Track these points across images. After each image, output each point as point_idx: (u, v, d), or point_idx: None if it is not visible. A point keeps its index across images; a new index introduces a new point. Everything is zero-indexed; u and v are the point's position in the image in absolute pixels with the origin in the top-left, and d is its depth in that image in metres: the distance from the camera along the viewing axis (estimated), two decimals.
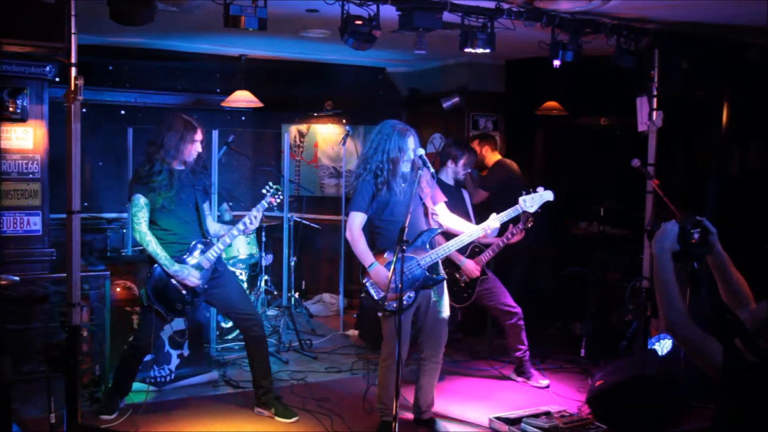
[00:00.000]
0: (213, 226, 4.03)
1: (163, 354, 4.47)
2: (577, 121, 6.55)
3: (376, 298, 3.59)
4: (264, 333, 4.06)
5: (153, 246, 3.71)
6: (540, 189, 3.84)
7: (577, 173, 6.47)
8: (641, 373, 3.89)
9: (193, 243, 3.83)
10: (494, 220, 3.75)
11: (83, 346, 4.12)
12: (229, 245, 3.99)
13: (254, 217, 3.80)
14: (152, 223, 3.79)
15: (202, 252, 3.82)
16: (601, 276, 5.51)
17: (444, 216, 3.84)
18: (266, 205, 3.87)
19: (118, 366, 4.00)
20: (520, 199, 3.82)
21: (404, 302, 3.51)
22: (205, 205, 3.97)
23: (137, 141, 5.43)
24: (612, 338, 5.05)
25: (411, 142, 3.66)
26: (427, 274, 3.66)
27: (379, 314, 3.63)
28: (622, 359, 4.47)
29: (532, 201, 3.81)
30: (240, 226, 3.82)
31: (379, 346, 3.80)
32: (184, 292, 3.78)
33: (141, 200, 3.73)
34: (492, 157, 5.69)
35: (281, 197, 3.90)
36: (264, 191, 3.91)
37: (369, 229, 3.73)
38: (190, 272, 3.74)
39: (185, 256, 3.81)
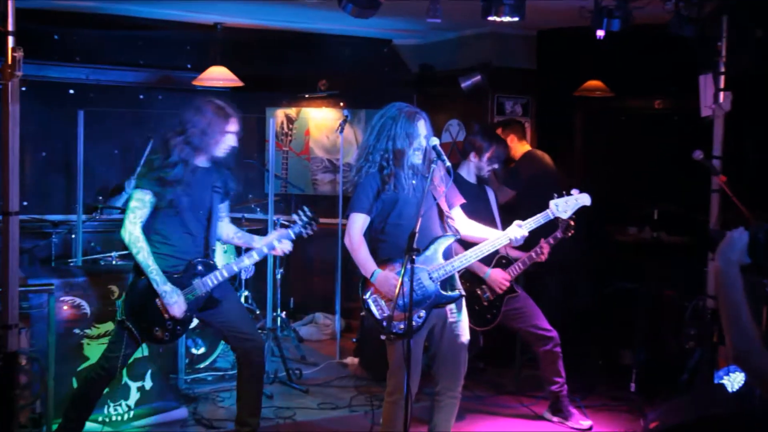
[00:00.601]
0: (227, 229, 4.02)
1: (119, 387, 4.42)
2: (625, 103, 6.57)
3: (378, 317, 3.55)
4: (264, 361, 4.06)
5: (144, 254, 3.66)
6: (575, 192, 3.79)
7: (624, 168, 6.46)
8: (707, 414, 3.83)
9: (193, 261, 3.79)
10: (518, 229, 3.70)
11: (21, 377, 4.00)
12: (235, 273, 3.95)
13: (278, 245, 3.85)
14: (147, 228, 3.73)
15: (201, 275, 3.76)
16: (654, 293, 5.51)
17: (461, 222, 3.79)
18: (293, 236, 3.89)
19: (73, 397, 3.95)
20: (551, 203, 3.77)
21: (414, 323, 3.47)
22: (222, 206, 3.95)
23: (89, 127, 5.41)
24: (669, 370, 5.04)
25: (422, 127, 3.62)
26: (441, 290, 3.60)
27: (383, 338, 3.56)
28: (682, 396, 4.46)
29: (566, 206, 3.76)
30: (252, 256, 3.83)
31: (383, 378, 3.75)
32: (166, 316, 3.73)
33: (146, 196, 3.68)
34: (519, 147, 5.66)
35: (312, 230, 3.90)
36: (297, 219, 3.91)
37: (371, 235, 3.69)
38: (178, 300, 3.69)
39: (177, 275, 3.75)
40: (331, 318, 6.73)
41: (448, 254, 3.70)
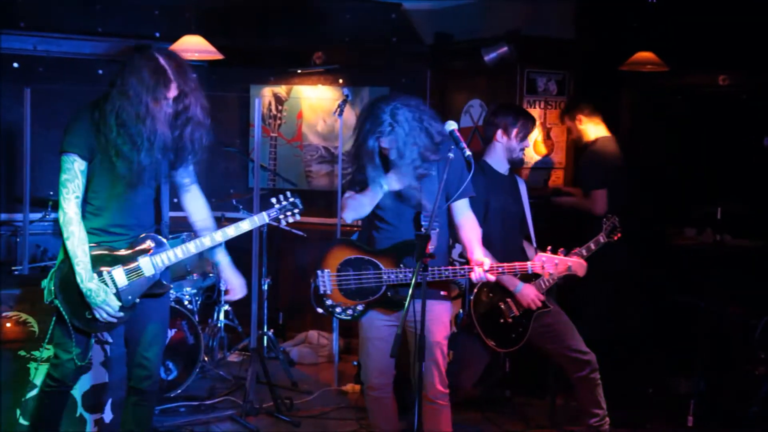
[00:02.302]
0: (194, 205, 3.90)
1: (73, 420, 4.40)
2: (683, 80, 6.53)
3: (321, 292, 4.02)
4: (153, 411, 3.99)
5: (74, 242, 3.54)
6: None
7: (681, 158, 6.44)
8: None
9: (142, 235, 3.68)
10: (482, 267, 3.83)
11: None
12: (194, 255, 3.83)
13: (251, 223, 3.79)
14: (86, 195, 3.62)
15: (149, 252, 3.66)
16: (717, 309, 5.48)
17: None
18: (267, 220, 3.86)
19: (31, 425, 3.89)
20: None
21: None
22: (182, 170, 3.80)
23: (38, 108, 5.39)
24: (735, 401, 5.04)
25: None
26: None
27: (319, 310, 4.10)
28: None
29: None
30: (217, 235, 3.72)
31: None
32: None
33: (75, 163, 3.54)
34: (595, 130, 5.73)
35: (295, 217, 3.90)
36: (274, 201, 3.89)
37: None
38: (106, 299, 3.57)
39: (120, 252, 3.65)
40: (328, 337, 6.71)
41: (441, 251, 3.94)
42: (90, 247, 3.58)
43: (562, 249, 3.90)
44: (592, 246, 4.44)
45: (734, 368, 5.39)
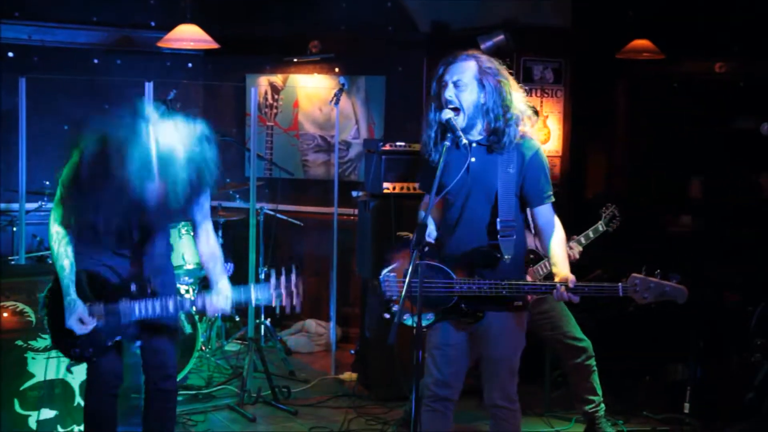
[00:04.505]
0: (204, 240, 3.74)
1: (71, 409, 4.40)
2: (679, 67, 6.53)
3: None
4: (175, 412, 3.95)
5: (56, 251, 3.53)
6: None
7: (677, 145, 6.42)
8: None
9: (128, 277, 3.63)
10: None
11: None
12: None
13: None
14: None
15: (132, 297, 3.57)
16: (713, 296, 5.49)
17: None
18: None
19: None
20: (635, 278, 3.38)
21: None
22: (201, 200, 3.64)
23: (33, 97, 5.37)
24: (731, 388, 5.02)
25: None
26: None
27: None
28: (747, 420, 4.44)
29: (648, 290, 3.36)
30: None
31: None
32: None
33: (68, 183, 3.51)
34: None
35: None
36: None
37: None
38: (79, 313, 3.49)
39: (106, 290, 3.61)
40: (325, 326, 6.71)
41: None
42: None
43: (658, 271, 3.38)
44: (591, 234, 4.43)
45: (730, 355, 5.39)
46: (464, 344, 3.63)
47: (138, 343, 3.75)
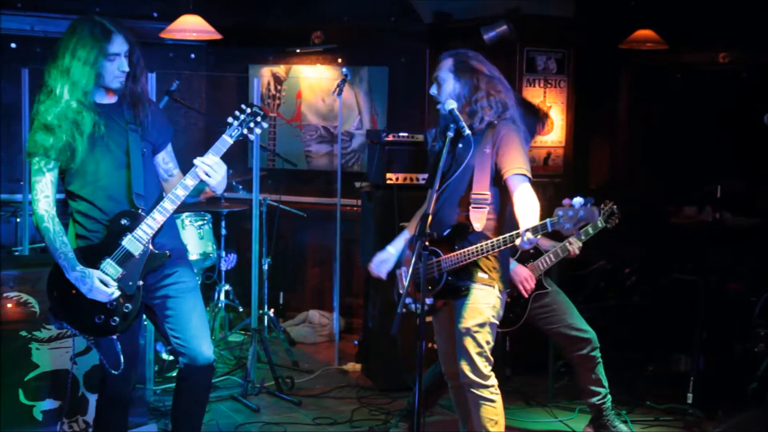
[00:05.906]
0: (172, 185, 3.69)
1: (75, 400, 4.41)
2: (683, 57, 6.51)
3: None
4: (210, 384, 3.83)
5: (51, 236, 3.49)
6: (577, 201, 3.28)
7: (680, 136, 6.41)
8: None
9: (112, 217, 3.53)
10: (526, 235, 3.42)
11: None
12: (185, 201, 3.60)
13: (214, 164, 3.55)
14: (71, 194, 3.57)
15: (129, 230, 3.50)
16: (717, 286, 5.48)
17: None
18: (231, 141, 3.59)
19: None
20: (558, 210, 3.31)
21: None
22: (161, 157, 3.69)
23: (36, 88, 5.31)
24: (734, 378, 5.02)
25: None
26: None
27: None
28: (750, 410, 4.46)
29: (569, 218, 3.29)
30: (196, 175, 3.53)
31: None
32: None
33: (40, 161, 3.45)
34: None
35: (262, 125, 3.59)
36: (231, 120, 3.58)
37: None
38: (93, 282, 3.45)
39: (99, 242, 3.53)
40: (328, 317, 6.72)
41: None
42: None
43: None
44: (590, 230, 4.41)
45: (733, 345, 5.40)
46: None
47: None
